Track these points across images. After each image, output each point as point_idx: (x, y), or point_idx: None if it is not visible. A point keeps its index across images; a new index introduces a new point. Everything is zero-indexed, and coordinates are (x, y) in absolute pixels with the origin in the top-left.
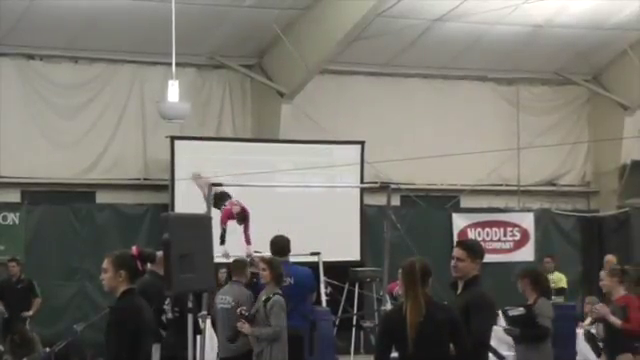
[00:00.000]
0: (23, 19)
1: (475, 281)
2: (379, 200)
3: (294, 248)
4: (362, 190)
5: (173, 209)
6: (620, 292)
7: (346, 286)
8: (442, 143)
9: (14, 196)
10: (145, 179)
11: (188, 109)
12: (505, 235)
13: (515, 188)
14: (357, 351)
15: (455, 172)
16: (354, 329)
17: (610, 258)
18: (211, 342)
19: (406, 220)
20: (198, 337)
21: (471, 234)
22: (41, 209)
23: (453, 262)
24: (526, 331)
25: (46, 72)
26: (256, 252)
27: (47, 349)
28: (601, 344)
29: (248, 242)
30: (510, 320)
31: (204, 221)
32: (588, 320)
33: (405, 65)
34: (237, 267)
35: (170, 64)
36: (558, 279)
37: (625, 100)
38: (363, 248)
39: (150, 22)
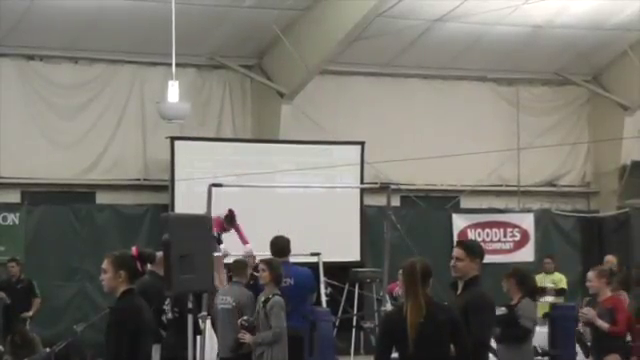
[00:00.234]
0: (23, 19)
1: (475, 281)
2: (379, 200)
3: (294, 248)
4: (362, 190)
5: (173, 209)
6: (607, 293)
7: (346, 287)
8: (442, 143)
9: (14, 196)
10: (145, 179)
11: (188, 109)
12: (505, 236)
13: (515, 189)
14: (357, 352)
15: (455, 172)
16: (354, 330)
17: (610, 258)
18: (211, 342)
19: (406, 220)
20: (198, 337)
21: (471, 235)
22: (41, 209)
23: (452, 262)
24: (506, 331)
25: (46, 72)
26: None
27: (47, 349)
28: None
29: (245, 242)
30: None
31: (204, 221)
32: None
33: (405, 65)
34: (237, 267)
35: (170, 64)
36: (558, 279)
37: (625, 100)
38: (363, 248)
39: (150, 22)
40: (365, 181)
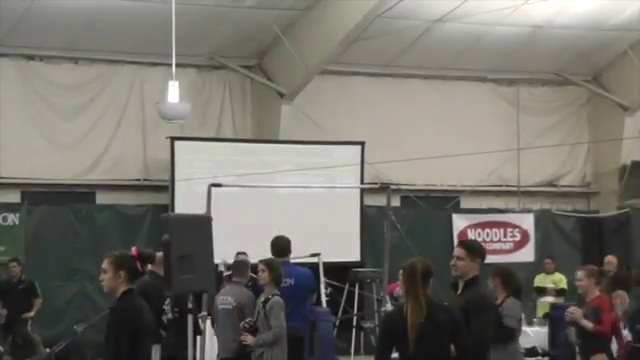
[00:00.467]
0: (23, 20)
1: (475, 281)
2: (379, 201)
3: (294, 249)
4: (362, 191)
5: (173, 210)
6: (595, 293)
7: (346, 287)
8: (442, 144)
9: (14, 197)
10: (145, 180)
11: (188, 110)
12: (505, 236)
13: (515, 189)
14: (357, 352)
15: (455, 173)
16: (354, 330)
17: (610, 259)
18: (211, 342)
19: (406, 221)
20: (198, 337)
21: (471, 235)
22: (41, 210)
23: (453, 261)
24: None
25: (46, 73)
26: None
27: (47, 350)
28: (577, 347)
29: None
30: None
31: (204, 222)
32: None
33: (405, 66)
34: (238, 268)
35: (170, 65)
36: (558, 280)
37: (625, 101)
38: (363, 249)
39: (150, 23)
40: (365, 181)
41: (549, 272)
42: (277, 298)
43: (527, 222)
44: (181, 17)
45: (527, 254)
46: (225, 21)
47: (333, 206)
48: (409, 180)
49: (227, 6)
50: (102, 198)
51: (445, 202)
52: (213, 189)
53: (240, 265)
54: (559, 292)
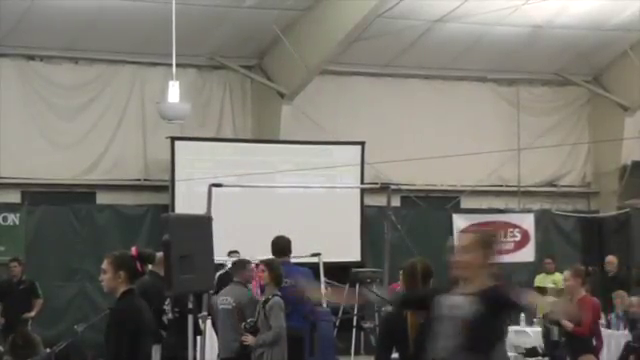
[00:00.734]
0: (23, 20)
1: None
2: (379, 201)
3: (294, 249)
4: (362, 191)
5: (173, 210)
6: (581, 293)
7: (346, 287)
8: (442, 144)
9: (14, 197)
10: (145, 180)
11: (188, 110)
12: (505, 236)
13: (515, 189)
14: (357, 352)
15: (455, 173)
16: (354, 330)
17: (611, 259)
18: (211, 342)
19: (406, 221)
20: (198, 337)
21: None
22: (41, 210)
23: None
24: None
25: (46, 73)
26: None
27: (47, 350)
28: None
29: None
30: None
31: (204, 222)
32: None
33: (405, 66)
34: (238, 268)
35: (170, 65)
36: (559, 280)
37: (625, 101)
38: (363, 249)
39: (150, 23)
40: (365, 181)
41: (549, 272)
42: (277, 298)
43: (527, 222)
44: (181, 17)
45: (527, 254)
46: (225, 21)
47: (333, 206)
48: (409, 180)
49: (227, 6)
50: (102, 198)
51: (445, 202)
52: (213, 189)
53: (240, 265)
54: (559, 292)
